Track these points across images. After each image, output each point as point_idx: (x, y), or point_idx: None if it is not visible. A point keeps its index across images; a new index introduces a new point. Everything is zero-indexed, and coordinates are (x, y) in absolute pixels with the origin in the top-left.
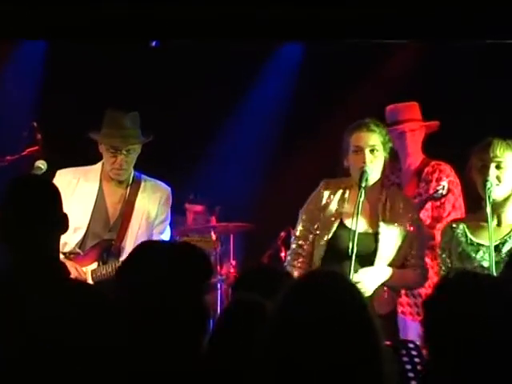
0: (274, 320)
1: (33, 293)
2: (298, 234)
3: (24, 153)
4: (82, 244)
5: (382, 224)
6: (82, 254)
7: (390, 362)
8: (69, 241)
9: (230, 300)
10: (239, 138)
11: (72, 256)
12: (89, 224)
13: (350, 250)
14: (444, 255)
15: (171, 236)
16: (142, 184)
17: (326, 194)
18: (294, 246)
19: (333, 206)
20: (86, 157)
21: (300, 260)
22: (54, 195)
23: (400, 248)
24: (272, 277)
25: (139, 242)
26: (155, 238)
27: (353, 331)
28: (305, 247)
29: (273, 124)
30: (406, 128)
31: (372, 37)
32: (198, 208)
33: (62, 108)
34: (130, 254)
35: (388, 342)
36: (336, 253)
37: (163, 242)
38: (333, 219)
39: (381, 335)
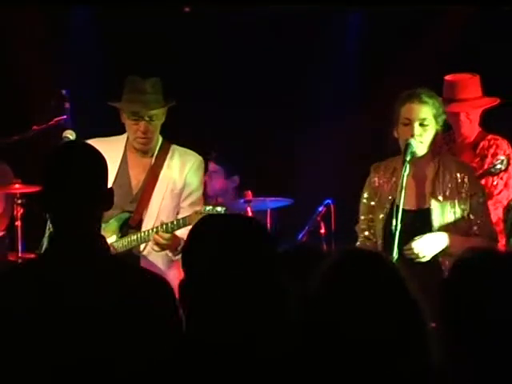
0: (313, 300)
1: (73, 268)
2: (361, 226)
3: (52, 122)
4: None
5: (432, 196)
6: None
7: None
8: None
9: None
10: (279, 106)
11: None
12: None
13: (393, 227)
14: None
15: None
16: (170, 153)
17: (377, 177)
18: (360, 238)
19: (385, 188)
20: (115, 126)
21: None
22: (104, 167)
23: (460, 219)
24: (312, 256)
25: (163, 214)
26: (184, 211)
27: (391, 312)
28: (372, 238)
29: (319, 93)
30: (462, 109)
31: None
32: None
33: (92, 76)
34: (190, 233)
35: None
36: (390, 233)
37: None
38: (385, 200)
39: (424, 314)
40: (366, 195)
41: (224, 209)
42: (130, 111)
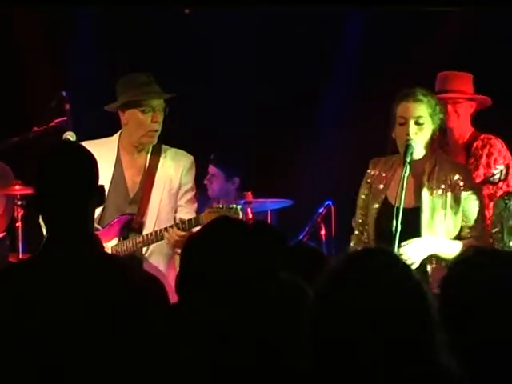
0: (318, 304)
1: (67, 266)
2: (358, 221)
3: (52, 124)
4: (100, 219)
5: (424, 195)
6: (101, 229)
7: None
8: None
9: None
10: (279, 108)
11: None
12: (107, 198)
13: (394, 228)
14: (495, 229)
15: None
16: (163, 153)
17: (373, 172)
18: (356, 232)
19: (379, 184)
20: (116, 127)
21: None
22: (95, 165)
23: (450, 221)
24: (311, 256)
25: (162, 214)
26: (182, 208)
27: (407, 308)
28: (365, 234)
29: (320, 94)
30: (449, 99)
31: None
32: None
33: (92, 77)
34: (203, 232)
35: None
36: (381, 232)
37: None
38: (378, 196)
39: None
40: (363, 190)
41: (240, 207)
42: (148, 105)
